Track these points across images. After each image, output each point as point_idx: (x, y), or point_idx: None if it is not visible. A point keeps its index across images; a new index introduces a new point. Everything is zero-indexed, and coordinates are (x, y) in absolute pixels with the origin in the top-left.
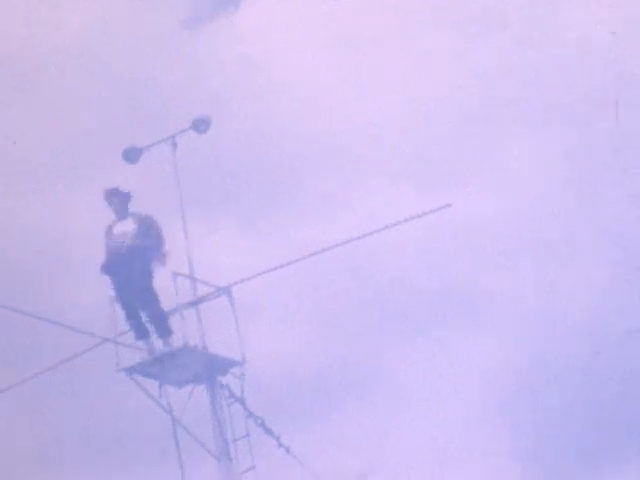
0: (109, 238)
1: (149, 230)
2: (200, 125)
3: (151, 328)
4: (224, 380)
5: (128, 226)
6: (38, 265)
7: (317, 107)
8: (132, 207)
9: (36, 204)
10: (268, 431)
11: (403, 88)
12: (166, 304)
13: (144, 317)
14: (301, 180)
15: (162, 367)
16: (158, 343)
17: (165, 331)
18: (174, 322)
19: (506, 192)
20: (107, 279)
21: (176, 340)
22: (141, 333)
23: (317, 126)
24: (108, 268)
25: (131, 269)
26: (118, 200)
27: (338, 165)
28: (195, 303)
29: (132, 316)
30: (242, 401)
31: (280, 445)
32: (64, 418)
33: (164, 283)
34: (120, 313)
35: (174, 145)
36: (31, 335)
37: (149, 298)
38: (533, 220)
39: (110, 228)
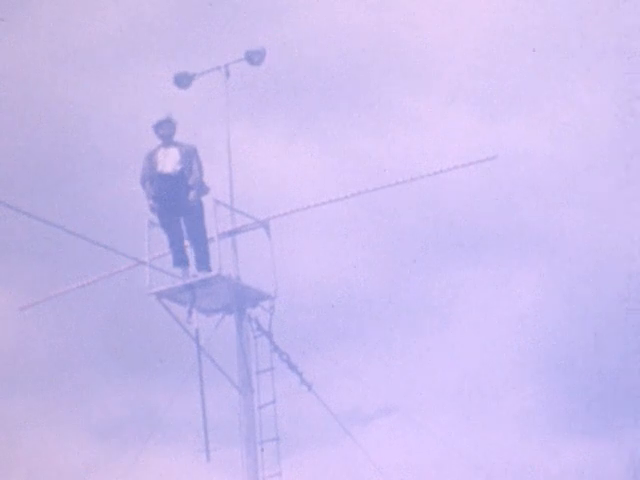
0: (152, 163)
1: (192, 160)
2: (254, 57)
3: (192, 258)
4: (253, 313)
5: (172, 154)
6: (82, 179)
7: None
8: (178, 137)
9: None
10: (292, 367)
11: None
12: None
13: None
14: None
15: (193, 294)
16: (193, 272)
17: (205, 265)
18: (210, 250)
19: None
20: (152, 204)
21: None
22: (181, 261)
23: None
24: (157, 197)
25: (182, 195)
26: (167, 128)
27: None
28: (232, 233)
29: (176, 243)
30: (269, 335)
31: (302, 382)
32: (91, 334)
33: (205, 211)
34: (159, 237)
35: (227, 74)
36: (66, 252)
37: (199, 230)
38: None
39: (153, 154)
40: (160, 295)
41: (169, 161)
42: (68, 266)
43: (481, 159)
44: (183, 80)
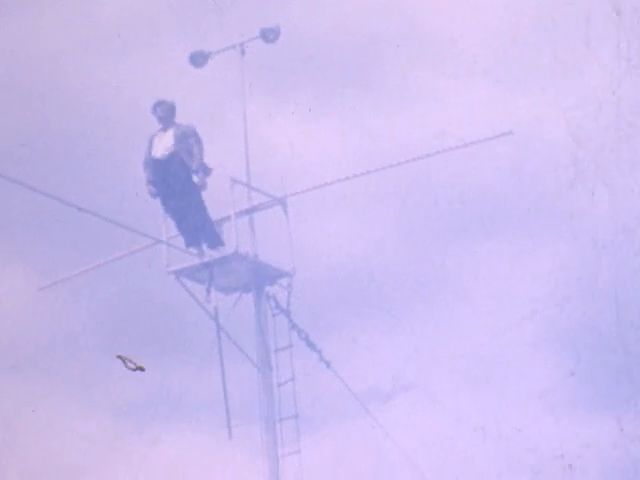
0: (149, 147)
1: (189, 141)
2: (269, 34)
3: (201, 237)
4: (271, 290)
5: (167, 138)
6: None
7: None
8: (180, 118)
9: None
10: (311, 345)
11: None
12: (221, 210)
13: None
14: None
15: (211, 272)
16: (208, 251)
17: (215, 241)
18: (227, 229)
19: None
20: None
21: (228, 247)
22: (192, 241)
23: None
24: (154, 182)
25: (173, 179)
26: (162, 110)
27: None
28: (249, 211)
29: (182, 225)
30: (287, 313)
31: (321, 359)
32: (110, 314)
33: (221, 189)
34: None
35: (242, 52)
36: (84, 231)
37: (196, 208)
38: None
39: (152, 137)
40: (178, 274)
41: (161, 146)
42: (86, 246)
43: (497, 134)
44: (198, 59)
